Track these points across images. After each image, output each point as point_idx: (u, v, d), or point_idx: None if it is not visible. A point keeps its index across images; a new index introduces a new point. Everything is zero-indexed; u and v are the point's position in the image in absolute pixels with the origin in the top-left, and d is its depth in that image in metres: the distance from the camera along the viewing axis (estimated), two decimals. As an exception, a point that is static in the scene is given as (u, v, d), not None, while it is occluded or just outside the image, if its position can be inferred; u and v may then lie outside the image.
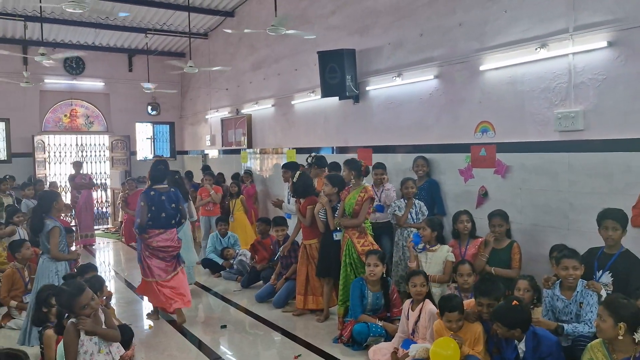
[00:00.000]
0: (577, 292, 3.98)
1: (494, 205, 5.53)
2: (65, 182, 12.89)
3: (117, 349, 3.43)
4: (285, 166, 7.34)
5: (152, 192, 5.72)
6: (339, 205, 5.61)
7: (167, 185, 5.92)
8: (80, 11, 5.55)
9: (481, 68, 5.75)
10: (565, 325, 3.89)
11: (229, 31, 9.21)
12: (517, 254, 4.93)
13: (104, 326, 3.38)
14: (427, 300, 4.55)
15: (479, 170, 5.83)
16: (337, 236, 5.60)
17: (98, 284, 4.41)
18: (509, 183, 5.52)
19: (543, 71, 5.16)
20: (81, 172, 11.15)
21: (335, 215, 5.56)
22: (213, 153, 12.71)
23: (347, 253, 5.36)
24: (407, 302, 4.64)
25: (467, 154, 5.93)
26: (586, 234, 4.71)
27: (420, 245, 5.26)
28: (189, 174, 10.94)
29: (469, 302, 4.18)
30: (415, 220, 5.99)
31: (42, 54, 8.17)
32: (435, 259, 5.14)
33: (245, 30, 7.30)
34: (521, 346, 3.70)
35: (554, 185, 5.09)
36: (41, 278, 5.01)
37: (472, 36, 5.88)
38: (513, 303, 3.69)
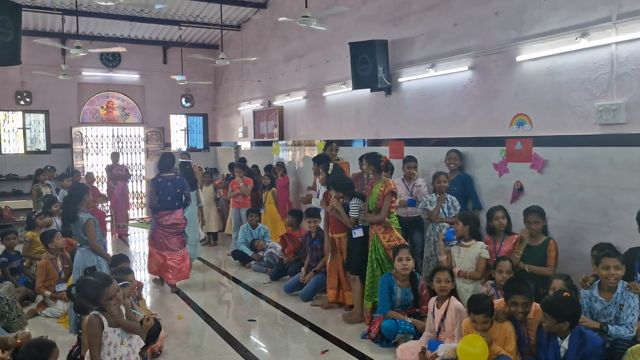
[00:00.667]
0: (618, 293, 3.81)
1: (529, 200, 5.35)
2: (102, 172, 13.20)
3: (137, 341, 3.46)
4: (315, 160, 7.26)
5: (160, 179, 6.82)
6: (351, 203, 5.51)
7: (173, 174, 6.98)
8: (113, 4, 5.60)
9: (518, 59, 5.54)
10: (610, 325, 3.71)
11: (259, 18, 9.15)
12: (553, 252, 4.75)
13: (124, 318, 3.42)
14: (453, 298, 4.43)
15: (515, 164, 5.64)
16: (355, 233, 5.51)
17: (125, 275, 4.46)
18: (545, 178, 5.33)
19: (583, 61, 4.93)
20: (118, 163, 11.35)
21: (351, 214, 5.47)
22: (245, 145, 12.76)
23: (372, 249, 5.28)
24: (433, 299, 4.54)
25: (502, 147, 5.74)
26: (627, 232, 4.49)
27: (454, 240, 5.13)
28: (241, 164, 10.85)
29: (499, 302, 4.05)
30: (447, 215, 5.86)
31: (78, 47, 8.30)
32: (468, 255, 5.01)
33: (280, 19, 7.19)
34: (563, 344, 3.57)
35: (594, 181, 4.87)
36: (81, 270, 5.03)
37: (509, 25, 5.67)
38: (564, 294, 3.56)
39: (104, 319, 3.25)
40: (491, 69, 5.92)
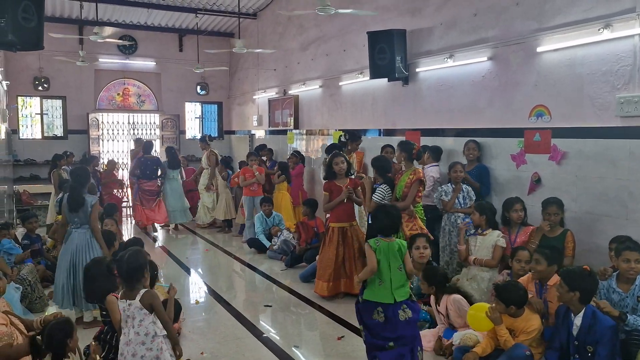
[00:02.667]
0: (636, 285, 3.82)
1: (547, 192, 5.34)
2: (120, 158, 13.33)
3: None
4: (327, 149, 7.30)
5: (142, 159, 10.05)
6: (379, 187, 5.55)
7: (153, 155, 10.34)
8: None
9: (538, 49, 5.51)
10: (629, 315, 3.73)
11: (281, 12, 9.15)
12: (571, 243, 4.76)
13: None
14: (447, 295, 4.43)
15: (533, 155, 5.63)
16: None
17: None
18: (564, 170, 5.31)
19: (605, 53, 4.90)
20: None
21: (374, 196, 5.51)
22: (260, 133, 12.81)
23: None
24: (432, 298, 4.56)
25: (520, 138, 5.73)
26: (646, 225, 4.49)
27: (471, 230, 5.16)
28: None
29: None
30: (462, 205, 5.86)
31: (96, 33, 8.36)
32: (485, 244, 5.04)
33: (295, 12, 7.23)
34: (576, 322, 3.61)
35: (613, 173, 4.85)
36: (88, 249, 5.11)
37: (530, 16, 5.64)
38: (584, 267, 3.65)
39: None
40: (511, 59, 5.89)
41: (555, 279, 4.04)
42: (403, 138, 7.41)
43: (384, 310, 3.58)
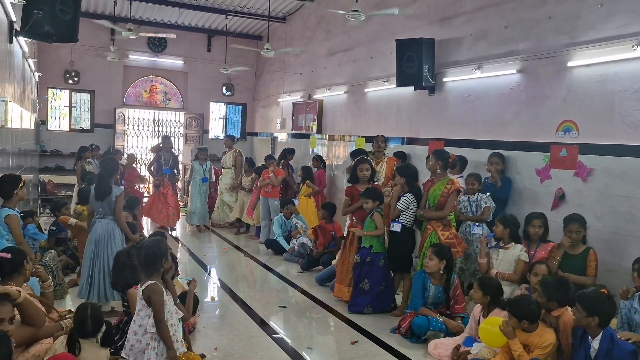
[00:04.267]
0: (659, 307, 3.73)
1: (571, 209, 5.27)
2: (141, 154, 13.52)
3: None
4: (352, 154, 7.22)
5: (160, 154, 10.01)
6: (404, 196, 5.54)
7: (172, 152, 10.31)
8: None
9: (569, 64, 5.46)
10: None
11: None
12: (593, 262, 4.67)
13: None
14: (500, 309, 4.36)
15: (558, 171, 5.56)
16: (393, 226, 5.55)
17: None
18: (589, 187, 5.24)
19: (638, 70, 4.83)
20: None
21: (398, 205, 5.50)
22: (282, 136, 12.87)
23: (427, 246, 5.27)
24: (478, 307, 4.45)
25: (546, 153, 5.67)
26: (673, 247, 4.39)
27: (493, 242, 5.11)
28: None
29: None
30: (473, 213, 5.81)
31: (129, 30, 8.51)
32: (507, 257, 4.99)
33: (332, 11, 7.27)
34: (593, 345, 3.55)
35: (640, 193, 4.77)
36: (110, 240, 5.18)
37: (562, 30, 5.59)
38: (602, 291, 3.58)
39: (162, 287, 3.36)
40: (540, 73, 5.84)
41: (558, 311, 3.96)
42: (426, 147, 7.40)
43: None
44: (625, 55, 4.88)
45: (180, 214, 10.42)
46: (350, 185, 6.01)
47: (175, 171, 10.08)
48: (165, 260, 3.40)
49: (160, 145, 10.17)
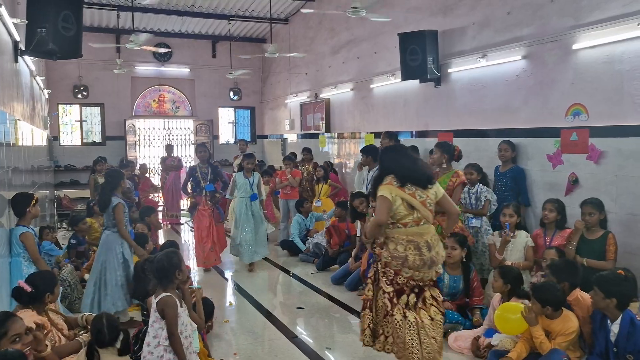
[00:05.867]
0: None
1: (585, 193, 5.20)
2: (154, 164, 13.62)
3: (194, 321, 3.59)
4: (365, 151, 6.61)
5: (194, 167, 7.71)
6: None
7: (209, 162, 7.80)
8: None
9: (574, 47, 5.38)
10: None
11: (307, 11, 9.19)
12: (613, 246, 4.60)
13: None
14: (519, 298, 4.32)
15: (570, 155, 5.49)
16: None
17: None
18: (603, 169, 5.16)
19: (645, 49, 4.75)
20: (172, 154, 11.72)
21: None
22: (292, 137, 12.88)
23: None
24: (497, 297, 4.41)
25: (557, 138, 5.60)
26: (691, 226, 4.31)
27: (510, 234, 5.07)
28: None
29: None
30: (474, 207, 5.74)
31: (132, 41, 8.58)
32: (516, 246, 5.00)
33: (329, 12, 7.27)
34: (613, 329, 3.51)
35: (655, 173, 4.69)
36: (107, 251, 5.17)
37: (566, 12, 5.51)
38: (619, 272, 3.57)
39: (176, 299, 3.37)
40: (546, 57, 5.77)
41: (573, 295, 3.96)
42: (435, 140, 7.34)
43: None
44: (631, 34, 4.80)
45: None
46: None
47: (221, 186, 7.73)
48: (179, 272, 3.40)
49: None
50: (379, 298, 3.70)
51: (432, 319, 3.58)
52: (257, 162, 9.44)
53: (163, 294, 3.31)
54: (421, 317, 3.57)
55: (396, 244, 3.58)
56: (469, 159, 6.41)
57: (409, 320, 3.54)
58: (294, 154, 10.64)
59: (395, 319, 3.57)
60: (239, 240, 7.25)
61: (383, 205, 3.56)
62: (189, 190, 7.77)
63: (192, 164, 13.67)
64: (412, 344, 3.51)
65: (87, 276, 6.11)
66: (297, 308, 5.79)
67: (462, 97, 7.05)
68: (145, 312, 4.16)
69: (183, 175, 9.92)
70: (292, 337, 4.90)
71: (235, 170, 9.87)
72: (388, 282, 3.62)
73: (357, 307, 5.66)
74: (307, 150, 9.94)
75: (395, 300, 3.59)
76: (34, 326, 3.19)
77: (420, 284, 3.62)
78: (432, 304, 3.63)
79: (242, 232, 7.25)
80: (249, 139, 14.68)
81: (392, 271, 3.60)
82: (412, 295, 3.60)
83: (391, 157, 3.79)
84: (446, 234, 4.41)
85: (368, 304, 3.76)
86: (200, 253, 7.33)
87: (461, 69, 7.01)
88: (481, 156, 6.57)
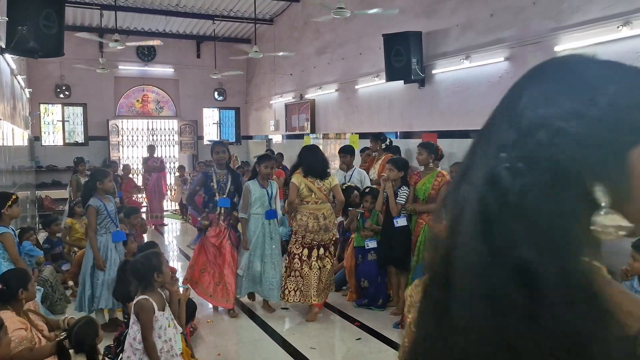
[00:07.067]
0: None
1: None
2: (137, 164, 13.50)
3: (177, 322, 3.53)
4: (345, 150, 6.89)
5: (204, 173, 5.83)
6: (401, 190, 5.54)
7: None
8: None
9: (556, 49, 5.46)
10: None
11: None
12: None
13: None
14: None
15: (551, 156, 5.55)
16: (398, 222, 5.51)
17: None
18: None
19: (624, 50, 4.82)
20: (154, 155, 11.62)
21: (398, 200, 5.50)
22: (277, 138, 12.87)
23: (423, 240, 5.26)
24: None
25: (539, 139, 5.66)
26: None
27: None
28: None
29: None
30: None
31: (116, 41, 8.50)
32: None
33: (315, 19, 7.29)
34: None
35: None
36: (87, 251, 5.13)
37: (548, 15, 5.59)
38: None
39: (154, 303, 3.31)
40: (528, 59, 5.84)
41: None
42: (419, 140, 7.38)
43: None
44: (611, 37, 4.89)
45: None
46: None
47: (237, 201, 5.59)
48: (158, 274, 3.31)
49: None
50: (293, 264, 5.26)
51: (330, 265, 5.39)
52: (242, 162, 9.29)
53: (140, 297, 3.26)
54: (324, 264, 5.28)
55: (302, 216, 5.17)
56: (454, 159, 6.47)
57: (315, 267, 5.22)
58: (272, 152, 10.60)
59: (304, 271, 5.22)
60: (245, 269, 5.44)
61: (293, 189, 5.17)
62: (197, 204, 5.78)
63: (177, 164, 13.76)
64: (316, 283, 5.21)
65: (71, 282, 6.04)
66: (282, 309, 5.78)
67: (446, 98, 7.11)
68: (126, 315, 4.11)
69: (173, 177, 9.77)
70: (277, 338, 4.89)
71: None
72: (299, 245, 5.24)
73: (342, 307, 5.69)
74: (279, 155, 10.01)
75: (304, 258, 5.23)
76: (15, 327, 3.14)
77: (322, 243, 5.25)
78: (327, 256, 5.30)
79: (252, 261, 5.43)
80: (233, 140, 14.63)
81: (300, 235, 5.22)
82: (321, 249, 5.26)
83: (304, 155, 5.37)
84: (337, 215, 5.56)
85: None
86: (208, 282, 5.48)
87: (445, 70, 7.06)
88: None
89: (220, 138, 14.63)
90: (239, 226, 5.55)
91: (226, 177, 5.47)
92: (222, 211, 5.44)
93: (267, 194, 5.46)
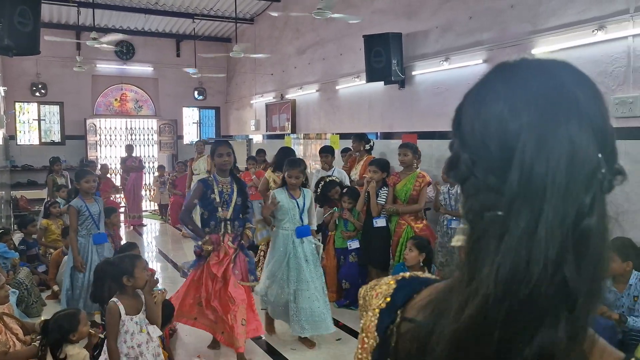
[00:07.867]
0: (631, 285, 3.82)
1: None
2: (115, 164, 13.34)
3: (153, 329, 3.46)
4: (325, 150, 6.95)
5: (205, 180, 4.58)
6: (382, 190, 5.58)
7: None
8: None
9: (533, 51, 5.53)
10: (629, 317, 3.73)
11: (275, 14, 9.18)
12: None
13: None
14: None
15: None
16: (377, 222, 5.56)
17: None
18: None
19: (599, 54, 4.92)
20: (132, 155, 11.48)
21: (379, 200, 5.53)
22: (257, 138, 12.82)
23: (404, 240, 5.31)
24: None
25: (516, 140, 5.74)
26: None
27: None
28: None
29: None
30: (453, 208, 5.84)
31: (94, 39, 8.39)
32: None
33: (292, 14, 7.29)
34: None
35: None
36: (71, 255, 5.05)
37: (525, 18, 5.66)
38: None
39: (121, 307, 3.26)
40: (506, 62, 5.90)
41: None
42: (400, 141, 7.43)
43: None
44: (586, 40, 4.97)
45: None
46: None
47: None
48: (128, 278, 3.26)
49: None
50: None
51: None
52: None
53: (112, 299, 3.23)
54: None
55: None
56: (433, 160, 6.52)
57: None
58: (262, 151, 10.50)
59: None
60: (270, 294, 4.67)
61: (264, 181, 6.09)
62: (195, 223, 4.60)
63: (156, 164, 13.61)
64: None
65: (56, 287, 5.94)
66: (262, 309, 5.75)
67: (426, 99, 7.16)
68: (103, 318, 4.06)
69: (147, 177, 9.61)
70: (257, 339, 4.87)
71: (195, 172, 9.61)
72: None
73: (322, 307, 5.69)
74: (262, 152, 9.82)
75: None
76: None
77: None
78: None
79: (279, 287, 4.58)
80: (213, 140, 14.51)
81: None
82: None
83: (279, 154, 5.95)
84: None
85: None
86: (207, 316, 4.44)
87: (425, 72, 7.12)
88: (444, 158, 6.68)
89: (200, 138, 14.50)
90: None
91: (231, 187, 4.34)
92: (229, 229, 4.29)
93: (298, 205, 4.50)
